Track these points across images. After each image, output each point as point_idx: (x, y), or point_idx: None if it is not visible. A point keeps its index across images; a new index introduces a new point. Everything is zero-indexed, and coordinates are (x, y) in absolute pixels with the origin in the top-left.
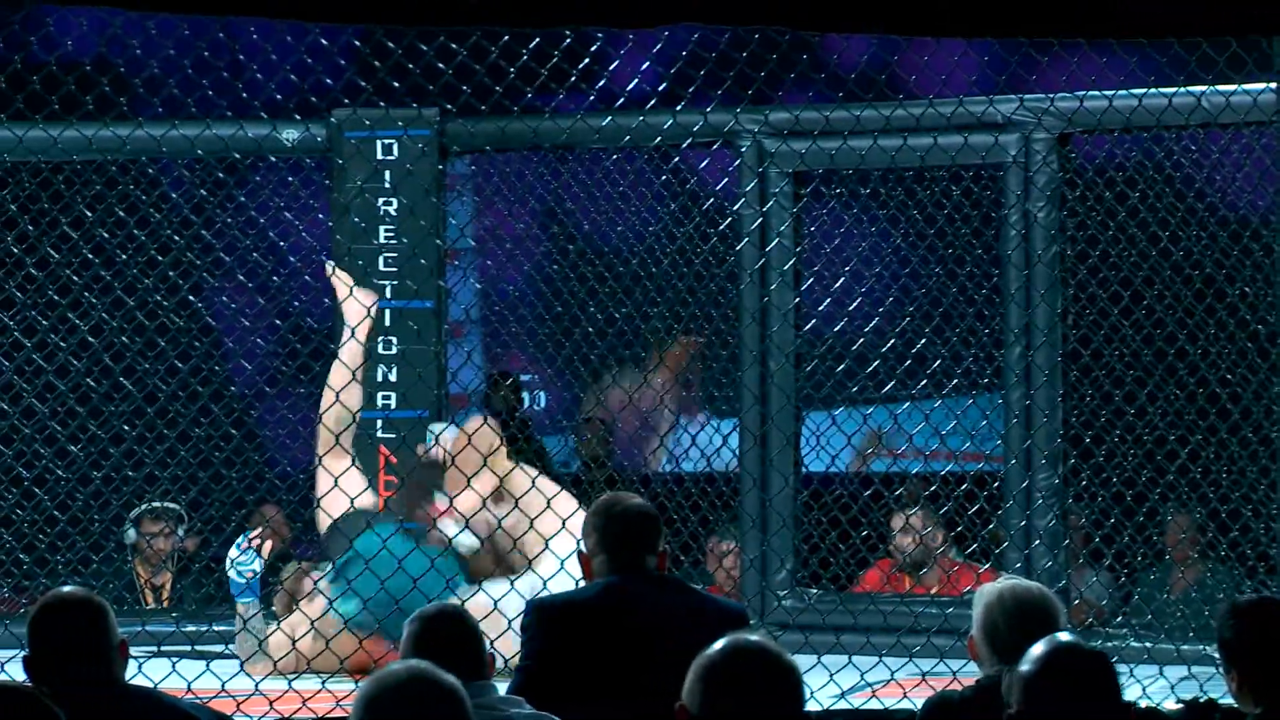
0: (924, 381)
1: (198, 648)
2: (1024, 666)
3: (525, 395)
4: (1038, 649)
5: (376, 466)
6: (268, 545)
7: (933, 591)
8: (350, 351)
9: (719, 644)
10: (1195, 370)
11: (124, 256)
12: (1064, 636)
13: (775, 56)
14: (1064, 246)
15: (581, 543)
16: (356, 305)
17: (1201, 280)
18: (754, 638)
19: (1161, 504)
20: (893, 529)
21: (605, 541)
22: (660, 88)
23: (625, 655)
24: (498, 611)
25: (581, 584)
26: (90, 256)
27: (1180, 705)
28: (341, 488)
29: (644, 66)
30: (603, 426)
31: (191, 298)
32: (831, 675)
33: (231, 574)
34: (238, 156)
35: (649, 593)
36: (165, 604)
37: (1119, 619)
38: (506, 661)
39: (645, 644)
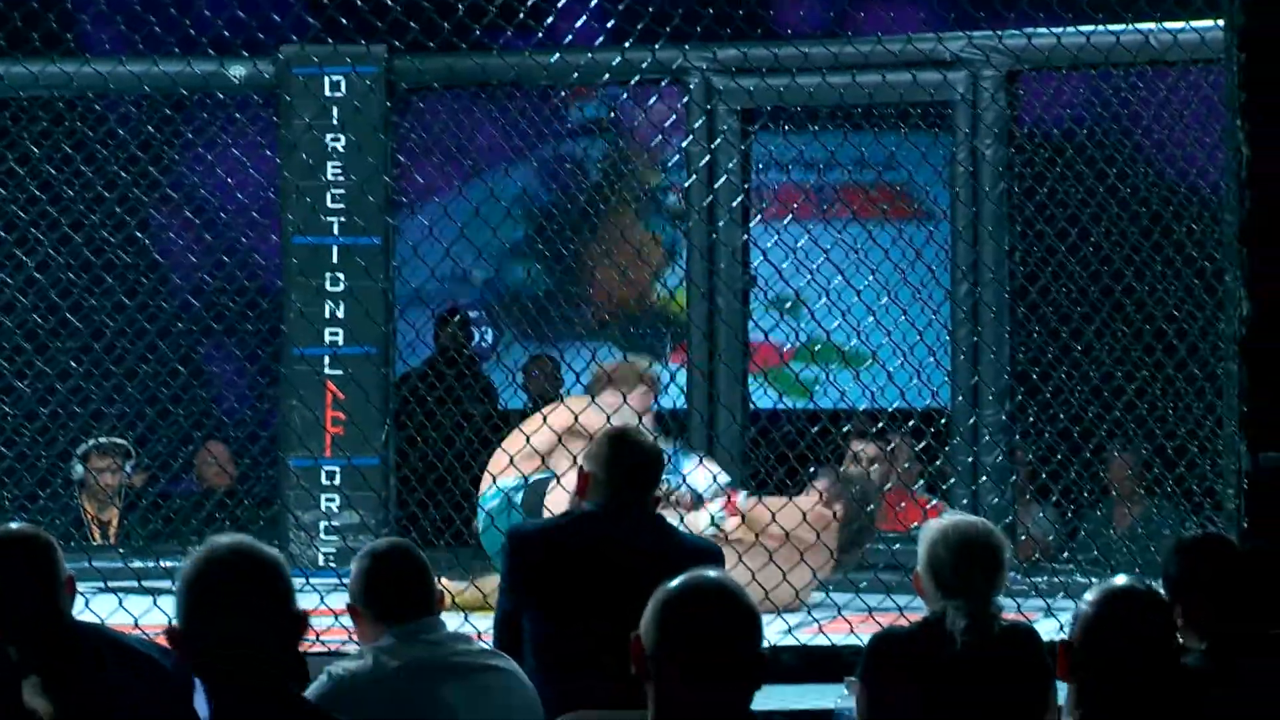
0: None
1: (144, 584)
2: (1084, 604)
3: (474, 331)
4: (1088, 596)
5: (324, 403)
6: (217, 481)
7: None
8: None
9: (678, 579)
10: (1141, 307)
11: (70, 193)
12: (1121, 579)
13: None
14: (1011, 184)
15: (584, 459)
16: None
17: (1148, 217)
18: (713, 574)
19: (1107, 440)
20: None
21: (610, 470)
22: (609, 24)
23: (588, 590)
24: None
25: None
26: (37, 193)
27: None
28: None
29: (593, 3)
30: (550, 363)
31: (138, 234)
32: (779, 611)
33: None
34: (185, 93)
35: (626, 529)
36: (112, 540)
37: (1065, 555)
38: (454, 598)
39: (610, 580)
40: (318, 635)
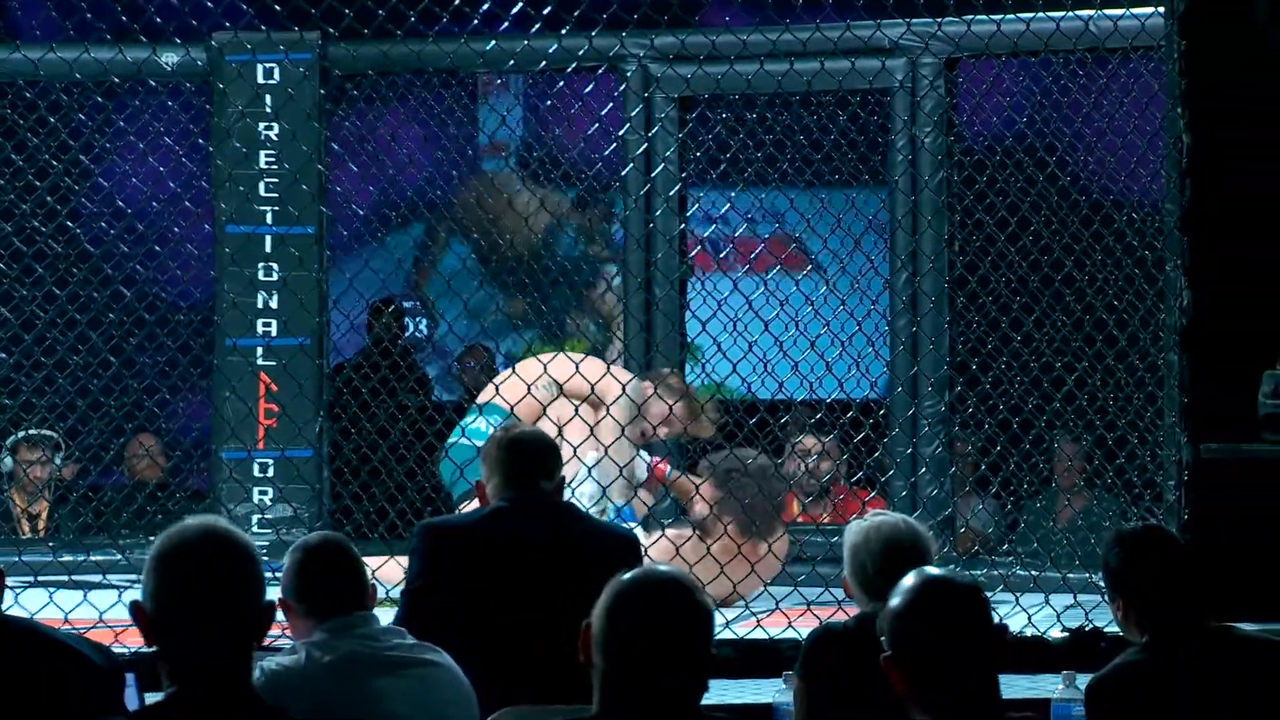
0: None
1: (75, 578)
2: (891, 604)
3: (408, 322)
4: (904, 585)
5: (257, 394)
6: (148, 474)
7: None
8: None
9: (633, 573)
10: (1082, 297)
11: (0, 181)
12: (931, 571)
13: None
14: (950, 172)
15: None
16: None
17: (1088, 206)
18: (668, 569)
19: (1048, 432)
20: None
21: (501, 467)
22: (545, 11)
23: (514, 581)
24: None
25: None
26: None
27: (1066, 634)
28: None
29: None
30: (486, 354)
31: (69, 223)
32: (715, 605)
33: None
34: (117, 80)
35: (541, 518)
36: (42, 533)
37: (1005, 547)
38: (388, 592)
39: (534, 570)
40: (283, 630)
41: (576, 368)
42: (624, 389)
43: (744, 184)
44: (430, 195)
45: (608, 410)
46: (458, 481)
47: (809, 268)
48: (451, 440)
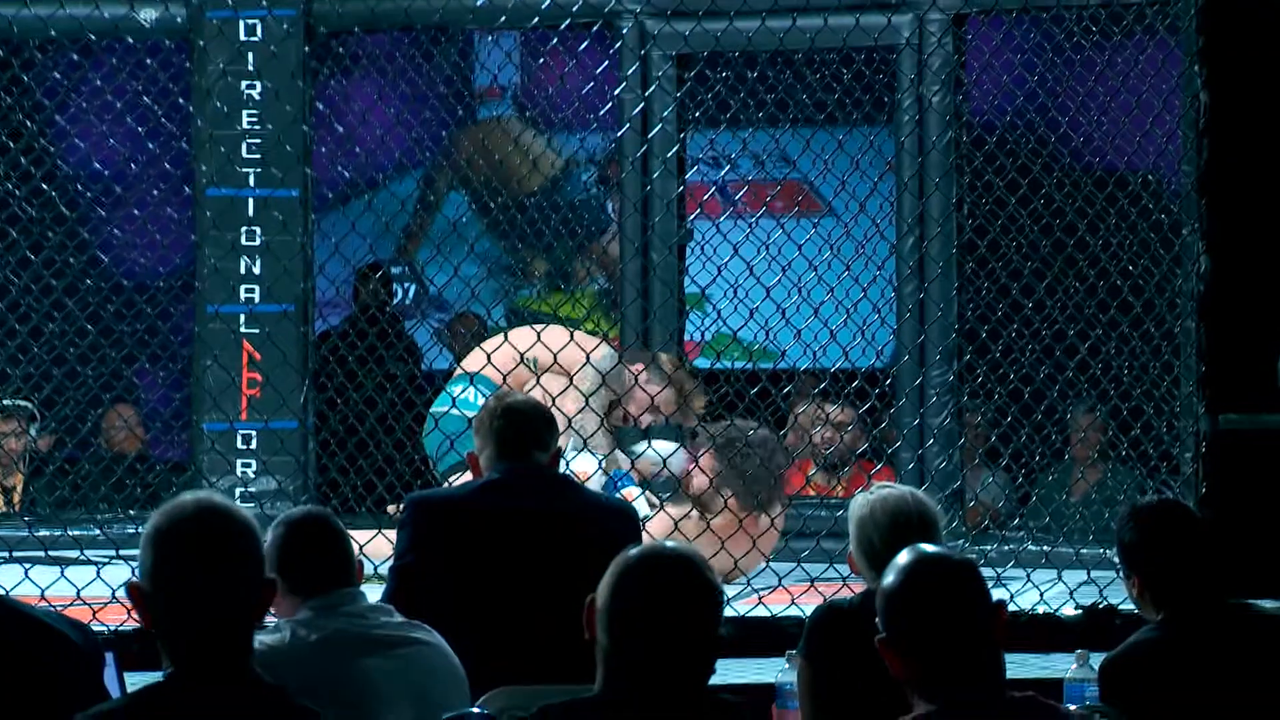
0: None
1: (51, 553)
2: (883, 583)
3: (396, 288)
4: (897, 563)
5: (240, 363)
6: (127, 446)
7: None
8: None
9: (640, 548)
10: (1096, 262)
11: None
12: (924, 548)
13: None
14: (959, 133)
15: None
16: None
17: (1102, 168)
18: (676, 545)
19: (1060, 402)
20: (804, 425)
21: (493, 436)
22: None
23: (507, 556)
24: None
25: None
26: None
27: (1079, 611)
28: None
29: None
30: (475, 321)
31: (45, 186)
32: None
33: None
34: (93, 38)
35: (535, 491)
36: (16, 508)
37: (1016, 521)
38: (376, 568)
39: (529, 545)
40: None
41: (538, 337)
42: (587, 357)
43: (743, 127)
44: (425, 148)
45: (570, 380)
46: (447, 454)
47: (818, 211)
48: (438, 409)
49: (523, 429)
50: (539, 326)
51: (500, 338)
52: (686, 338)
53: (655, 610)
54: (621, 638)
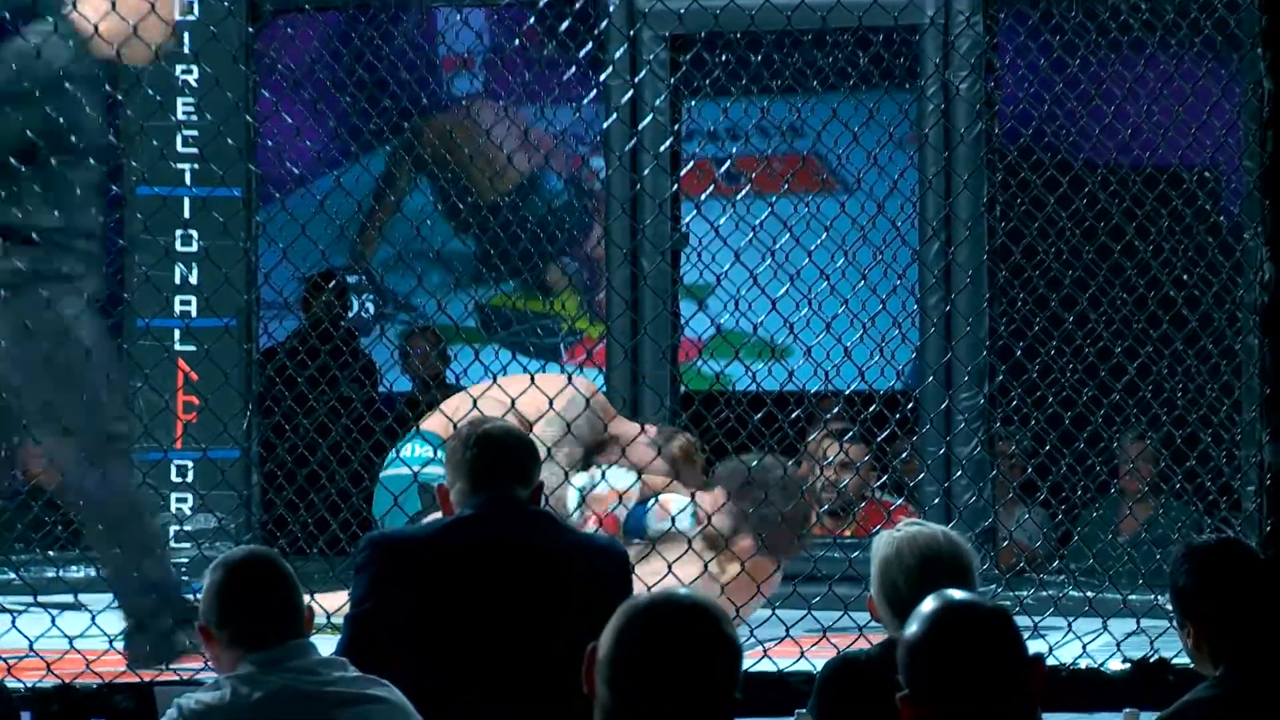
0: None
1: None
2: (906, 634)
3: (351, 299)
4: (921, 611)
5: (174, 385)
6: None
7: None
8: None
9: (651, 595)
10: (1146, 270)
11: None
12: (952, 594)
13: None
14: (990, 124)
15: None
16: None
17: (1152, 163)
18: (690, 593)
19: (1106, 429)
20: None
21: (465, 468)
22: None
23: (480, 600)
24: None
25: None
26: None
27: (1128, 665)
28: None
29: None
30: (436, 338)
31: None
32: None
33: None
34: (8, 17)
35: (513, 526)
36: None
37: (1056, 564)
38: (330, 617)
39: (506, 583)
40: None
41: (533, 381)
42: (550, 403)
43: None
44: (385, 139)
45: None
46: (389, 513)
47: (826, 187)
48: (385, 470)
49: (500, 459)
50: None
51: (460, 399)
52: (689, 334)
53: (665, 663)
54: (623, 694)
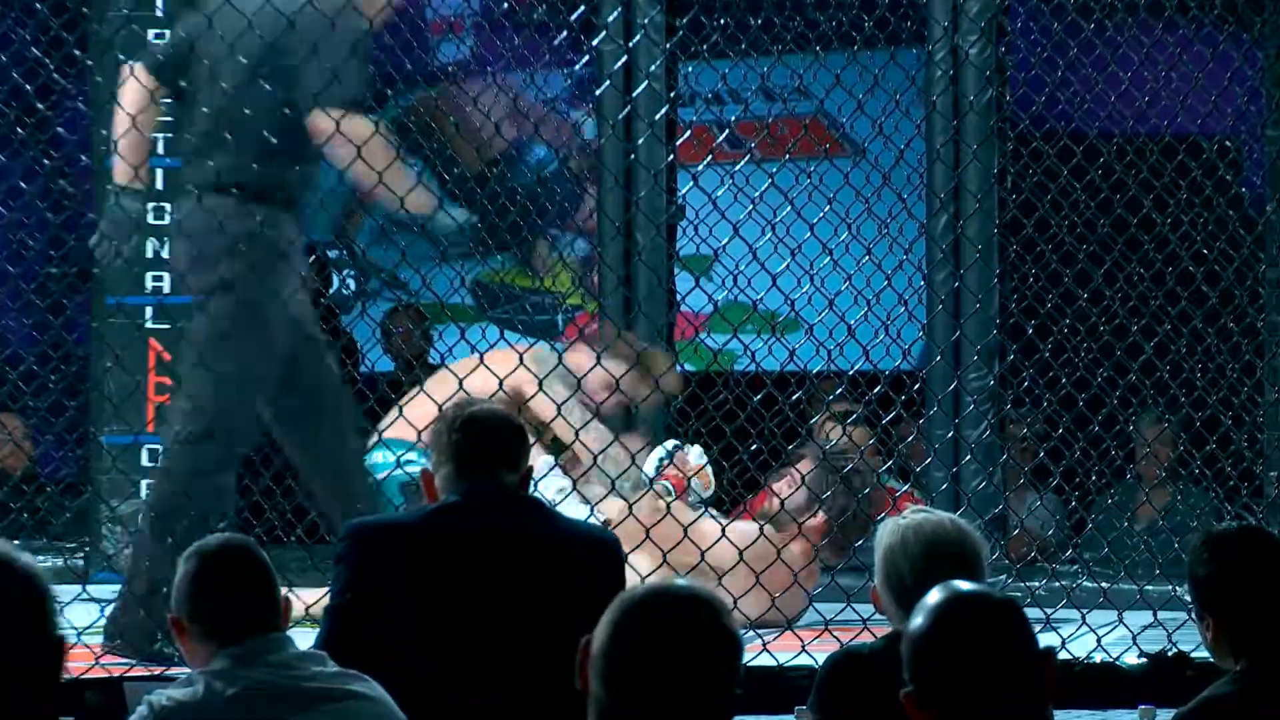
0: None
1: None
2: (910, 626)
3: (332, 275)
4: (926, 603)
5: (146, 365)
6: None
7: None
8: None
9: (648, 586)
10: (1163, 244)
11: None
12: (959, 585)
13: None
14: (1001, 90)
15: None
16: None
17: (1170, 132)
18: (690, 584)
19: (1122, 411)
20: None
21: (452, 452)
22: None
23: (467, 590)
24: None
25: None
26: None
27: (1144, 660)
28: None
29: None
30: (419, 316)
31: None
32: (750, 625)
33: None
34: None
35: (501, 513)
36: None
37: (1068, 553)
38: (309, 609)
39: (492, 576)
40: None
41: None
42: (540, 383)
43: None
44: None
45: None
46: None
47: (831, 152)
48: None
49: (487, 443)
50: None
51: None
52: (689, 308)
53: (662, 657)
54: (618, 690)
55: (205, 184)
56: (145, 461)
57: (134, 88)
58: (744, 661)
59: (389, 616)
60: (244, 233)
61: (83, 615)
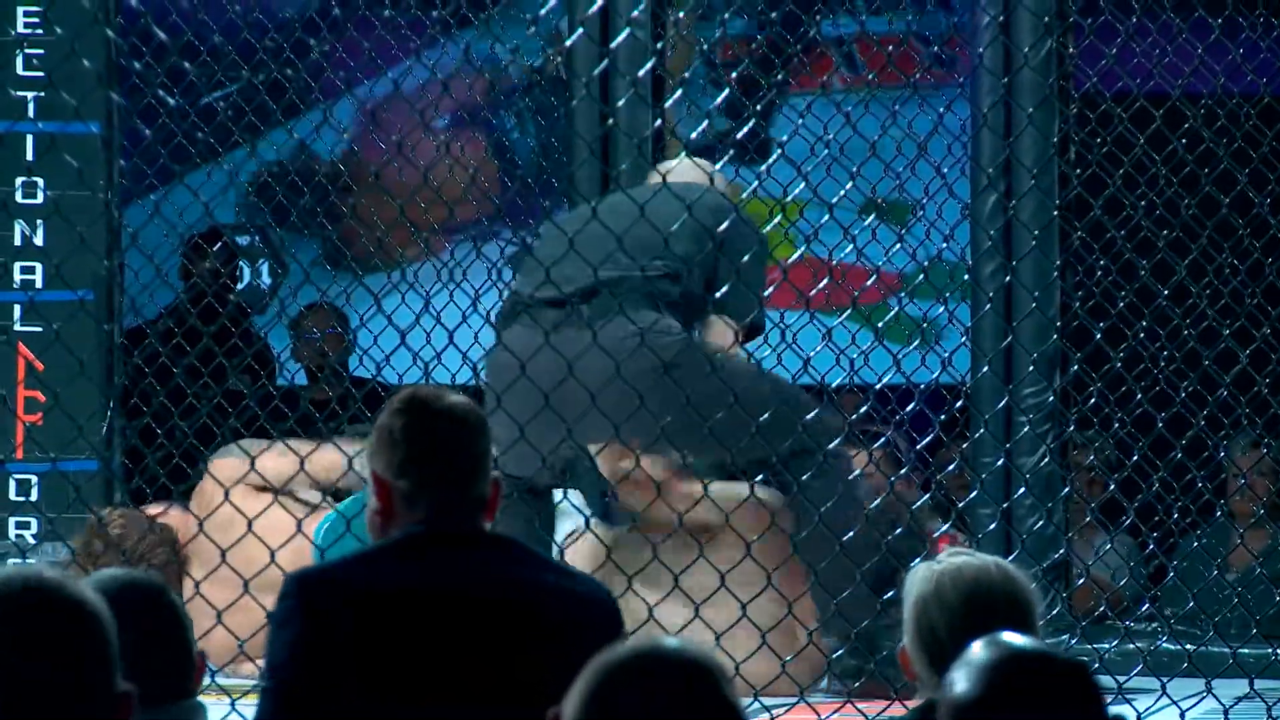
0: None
1: None
2: (953, 691)
3: (243, 266)
4: (972, 658)
5: (14, 377)
6: None
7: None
8: None
9: (631, 646)
10: (1263, 230)
11: None
12: (1014, 640)
13: None
14: (1061, 44)
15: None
16: None
17: (1270, 92)
18: (677, 645)
19: (1211, 434)
20: None
21: (414, 465)
22: None
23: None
24: None
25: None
26: None
27: None
28: None
29: None
30: (336, 315)
31: None
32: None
33: None
34: None
35: (474, 567)
36: None
37: (1145, 608)
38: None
39: (467, 646)
40: None
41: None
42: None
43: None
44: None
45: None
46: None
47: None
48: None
49: (456, 451)
50: None
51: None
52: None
53: None
54: None
55: None
56: (14, 494)
57: None
58: None
59: (340, 695)
60: None
61: None
